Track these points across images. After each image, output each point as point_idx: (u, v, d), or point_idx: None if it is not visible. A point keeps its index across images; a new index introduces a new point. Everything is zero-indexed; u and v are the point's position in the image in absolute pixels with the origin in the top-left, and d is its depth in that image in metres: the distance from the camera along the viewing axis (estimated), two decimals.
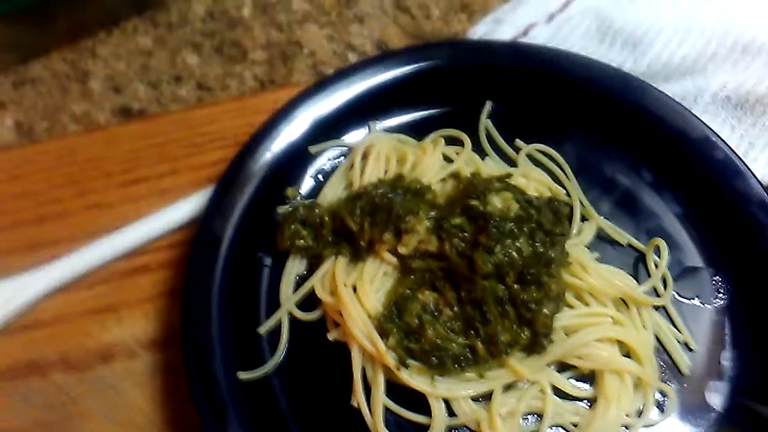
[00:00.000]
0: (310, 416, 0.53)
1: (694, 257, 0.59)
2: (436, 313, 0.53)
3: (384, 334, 0.52)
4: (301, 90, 0.63)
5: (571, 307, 0.55)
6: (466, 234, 0.54)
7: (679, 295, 0.57)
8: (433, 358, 0.52)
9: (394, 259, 0.55)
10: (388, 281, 0.56)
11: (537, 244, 0.53)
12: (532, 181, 0.61)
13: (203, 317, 0.53)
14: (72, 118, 0.70)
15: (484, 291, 0.52)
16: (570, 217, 0.58)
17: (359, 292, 0.54)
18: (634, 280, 0.57)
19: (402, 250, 0.54)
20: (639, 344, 0.54)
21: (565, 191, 0.61)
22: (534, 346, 0.52)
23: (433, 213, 0.56)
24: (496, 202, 0.54)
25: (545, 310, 0.52)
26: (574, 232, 0.59)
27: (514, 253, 0.52)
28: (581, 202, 0.60)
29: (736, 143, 0.63)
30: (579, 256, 0.56)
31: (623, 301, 0.56)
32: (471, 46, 0.66)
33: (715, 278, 0.58)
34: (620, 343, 0.54)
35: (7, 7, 0.65)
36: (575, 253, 0.56)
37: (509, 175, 0.58)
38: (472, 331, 0.52)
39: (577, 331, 0.54)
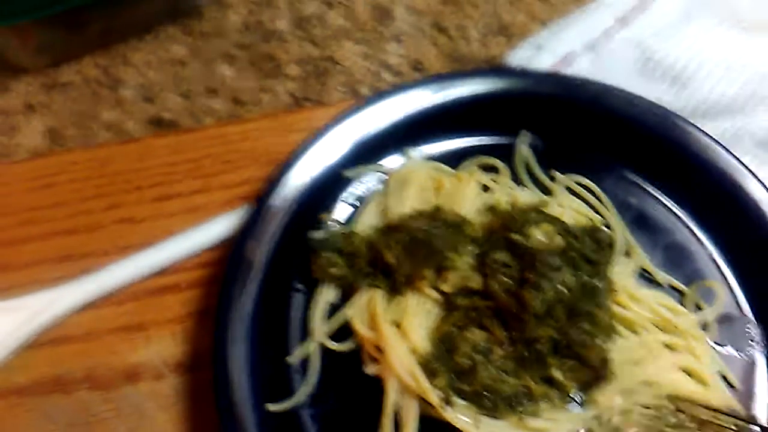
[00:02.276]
0: None
1: (730, 304, 0.58)
2: (488, 353, 0.52)
3: (432, 374, 0.51)
4: (341, 111, 0.62)
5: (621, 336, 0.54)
6: (510, 269, 0.53)
7: (714, 342, 0.57)
8: (486, 400, 0.51)
9: (437, 295, 0.54)
10: (431, 318, 0.54)
11: (580, 273, 0.53)
12: (568, 210, 0.60)
13: (234, 345, 0.52)
14: (103, 125, 0.69)
15: (537, 329, 0.51)
16: (610, 246, 0.57)
17: (405, 328, 0.53)
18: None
19: (445, 287, 0.53)
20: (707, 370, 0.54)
21: (603, 222, 0.60)
22: (595, 380, 0.52)
23: (472, 248, 0.55)
24: (538, 234, 0.54)
25: (597, 341, 0.51)
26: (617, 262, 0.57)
27: (563, 288, 0.52)
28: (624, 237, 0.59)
29: None
30: (624, 283, 0.56)
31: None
32: (513, 75, 0.65)
33: (747, 327, 0.57)
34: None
35: (41, 12, 0.64)
36: (621, 281, 0.55)
37: (545, 204, 0.58)
38: (525, 371, 0.51)
39: (642, 361, 0.53)
